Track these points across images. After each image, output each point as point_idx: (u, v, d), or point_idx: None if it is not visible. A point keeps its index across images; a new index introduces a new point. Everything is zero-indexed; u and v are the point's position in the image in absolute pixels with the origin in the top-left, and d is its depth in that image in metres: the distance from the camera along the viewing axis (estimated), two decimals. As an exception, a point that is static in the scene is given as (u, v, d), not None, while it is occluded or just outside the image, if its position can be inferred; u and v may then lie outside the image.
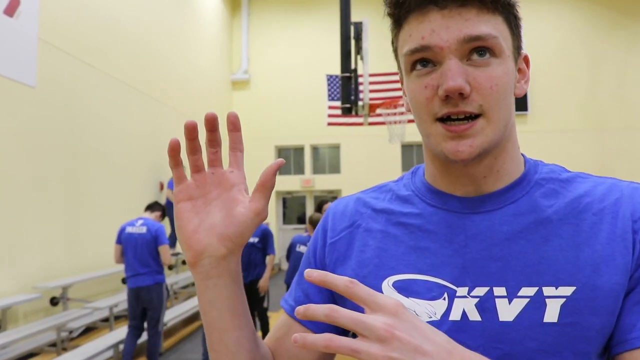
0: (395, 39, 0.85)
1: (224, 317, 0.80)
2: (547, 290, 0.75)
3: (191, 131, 0.80)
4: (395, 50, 0.87)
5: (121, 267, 8.09)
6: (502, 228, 0.81)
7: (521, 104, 16.64)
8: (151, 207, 6.39)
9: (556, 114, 16.72)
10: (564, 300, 0.74)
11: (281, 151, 17.46)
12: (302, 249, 6.29)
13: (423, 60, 0.79)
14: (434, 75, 0.78)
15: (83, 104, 8.40)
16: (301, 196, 17.53)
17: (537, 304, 0.75)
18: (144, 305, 5.88)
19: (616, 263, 0.74)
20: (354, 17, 8.63)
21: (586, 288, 0.74)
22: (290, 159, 17.54)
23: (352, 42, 8.29)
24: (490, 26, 0.77)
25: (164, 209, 6.56)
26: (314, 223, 6.08)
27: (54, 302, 7.49)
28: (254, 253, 6.61)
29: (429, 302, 0.80)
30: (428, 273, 0.83)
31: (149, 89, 10.70)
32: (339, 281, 0.62)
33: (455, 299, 0.79)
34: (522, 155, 0.91)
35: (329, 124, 11.80)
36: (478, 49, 0.77)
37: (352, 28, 8.30)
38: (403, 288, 0.83)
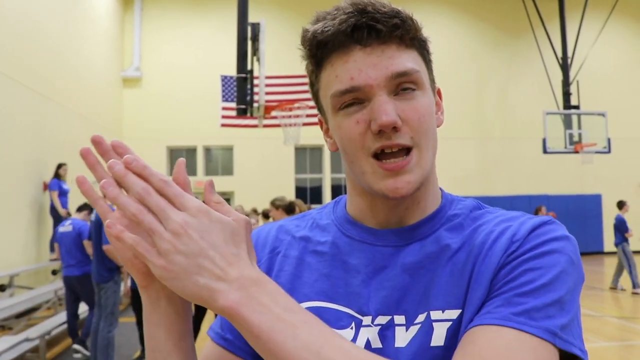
0: (316, 82, 0.86)
1: (169, 340, 0.76)
2: (435, 315, 0.78)
3: (87, 157, 0.76)
4: (315, 93, 0.88)
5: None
6: (407, 259, 0.84)
7: (410, 111, 17.31)
8: (79, 209, 7.25)
9: (445, 122, 17.44)
10: (449, 323, 0.77)
11: (173, 152, 17.07)
12: None
13: (351, 101, 0.80)
14: (364, 111, 0.80)
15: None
16: (193, 198, 17.20)
17: (427, 328, 0.78)
18: (76, 293, 6.69)
19: (483, 280, 0.77)
20: (252, 18, 8.61)
21: (470, 310, 0.76)
22: (182, 160, 17.18)
23: (249, 43, 8.28)
24: (411, 61, 0.81)
25: (91, 208, 6.95)
26: None
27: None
28: None
29: (337, 331, 0.78)
30: (338, 302, 0.84)
31: (33, 82, 10.09)
32: (154, 177, 0.66)
33: (362, 328, 0.81)
34: (440, 189, 0.94)
35: (223, 125, 11.70)
36: (404, 83, 0.80)
37: (249, 29, 8.28)
38: None
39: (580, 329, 0.75)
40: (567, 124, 13.79)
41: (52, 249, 9.87)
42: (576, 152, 13.69)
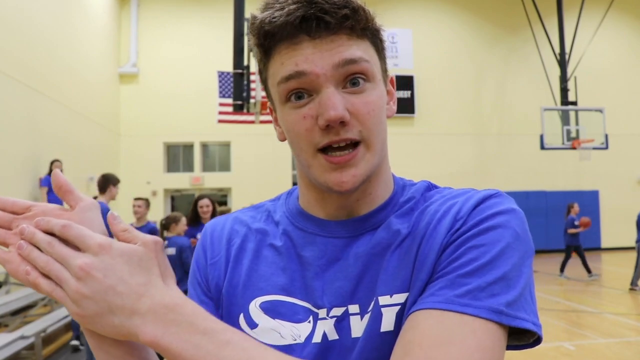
0: (265, 70, 0.84)
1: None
2: (383, 300, 0.78)
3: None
4: (264, 81, 0.86)
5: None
6: (359, 249, 0.83)
7: (408, 107, 17.31)
8: None
9: (442, 118, 17.56)
10: (398, 307, 0.76)
11: (170, 148, 17.04)
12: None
13: (298, 92, 0.78)
14: (311, 105, 0.78)
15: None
16: (190, 194, 17.17)
17: (376, 314, 0.77)
18: None
19: (426, 261, 0.76)
20: (248, 14, 8.56)
21: (414, 293, 0.75)
22: (179, 156, 17.15)
23: (245, 38, 8.23)
24: (361, 50, 0.78)
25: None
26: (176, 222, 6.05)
27: None
28: None
29: (294, 325, 0.82)
30: (294, 295, 0.84)
31: (28, 77, 10.03)
32: (55, 227, 0.66)
33: (318, 322, 0.81)
34: (393, 175, 0.93)
35: (220, 121, 11.69)
36: (352, 76, 0.78)
37: (245, 24, 8.23)
38: (269, 309, 0.84)
39: (534, 303, 0.74)
40: (565, 120, 13.78)
41: None
42: (573, 148, 13.68)
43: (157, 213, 15.21)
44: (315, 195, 0.89)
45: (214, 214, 6.47)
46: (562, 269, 12.16)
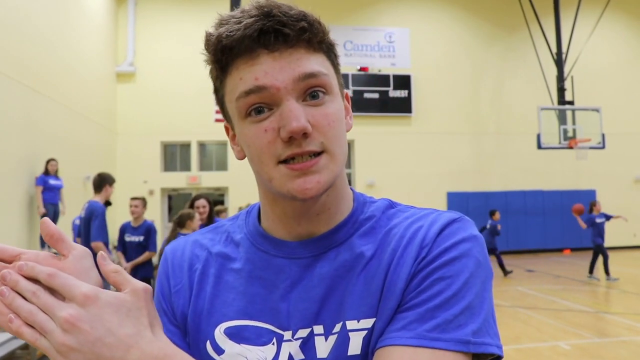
0: (221, 87, 0.83)
1: None
2: (350, 324, 0.79)
3: None
4: (221, 99, 0.85)
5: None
6: (322, 270, 0.84)
7: (405, 106, 17.31)
8: None
9: (439, 117, 17.55)
10: (365, 332, 0.78)
11: (167, 147, 17.01)
12: None
13: (258, 106, 0.78)
14: (272, 118, 0.78)
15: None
16: (187, 193, 17.15)
17: (343, 338, 0.79)
18: None
19: (395, 289, 0.78)
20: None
21: (383, 318, 0.77)
22: (176, 155, 17.13)
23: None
24: (319, 64, 0.79)
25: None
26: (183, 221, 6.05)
27: None
28: (141, 252, 6.83)
29: (260, 348, 0.82)
30: (258, 319, 0.84)
31: (23, 75, 9.99)
32: (41, 274, 0.63)
33: (283, 343, 0.82)
34: (354, 192, 0.94)
35: (217, 120, 11.67)
36: (312, 89, 0.78)
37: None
38: (234, 334, 0.84)
39: (495, 326, 0.78)
40: (562, 119, 13.79)
41: (42, 245, 9.87)
42: (570, 147, 13.70)
43: (154, 212, 15.21)
44: (277, 212, 0.88)
45: (210, 215, 6.46)
46: (590, 270, 11.85)
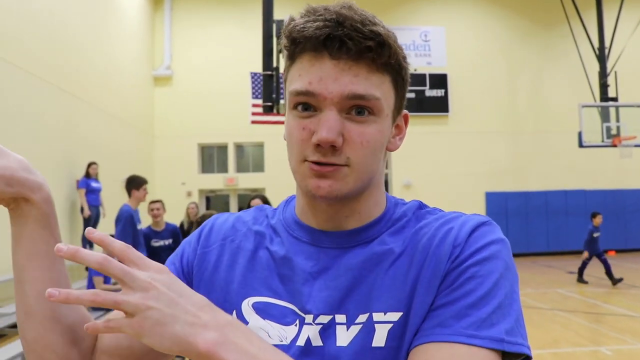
0: (286, 72, 0.88)
1: (20, 255, 0.84)
2: (377, 316, 0.82)
3: None
4: (285, 80, 0.90)
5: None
6: (350, 262, 0.87)
7: (442, 106, 17.13)
8: None
9: (475, 116, 17.30)
10: (391, 325, 0.81)
11: (204, 149, 17.18)
12: None
13: (305, 104, 0.82)
14: (313, 119, 0.82)
15: (-9, 96, 7.92)
16: (224, 195, 17.31)
17: (368, 329, 0.81)
18: None
19: (430, 285, 0.81)
20: (277, 15, 8.57)
21: (411, 313, 0.80)
22: (213, 157, 17.29)
23: (274, 40, 8.24)
24: (375, 87, 0.81)
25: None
26: None
27: (-44, 307, 7.05)
28: (168, 254, 6.74)
29: (282, 327, 0.86)
30: (284, 299, 0.88)
31: (64, 82, 10.22)
32: (92, 258, 0.65)
33: (304, 326, 0.85)
34: (387, 195, 0.97)
35: (253, 122, 11.72)
36: (358, 106, 0.81)
37: (274, 26, 8.25)
38: (261, 310, 0.88)
39: (524, 328, 0.80)
40: (605, 116, 13.39)
41: (84, 246, 10.09)
42: (614, 145, 13.29)
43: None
44: (307, 203, 0.92)
45: None
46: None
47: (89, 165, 10.27)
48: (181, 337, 0.64)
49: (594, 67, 14.56)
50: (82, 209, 10.21)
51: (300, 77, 0.82)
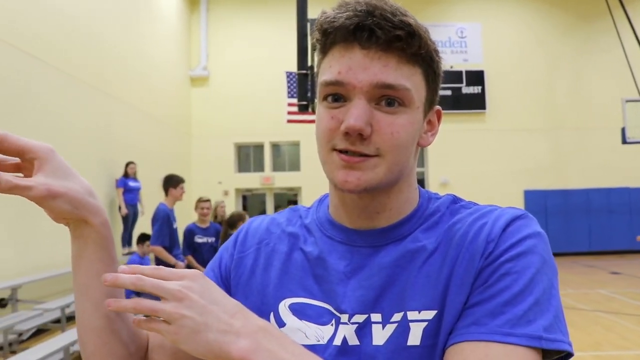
0: (318, 66, 0.89)
1: (81, 273, 0.88)
2: (411, 315, 0.81)
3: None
4: (316, 73, 0.90)
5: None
6: (383, 260, 0.87)
7: (479, 103, 16.90)
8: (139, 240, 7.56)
9: (513, 112, 17.00)
10: (426, 324, 0.80)
11: (240, 148, 17.31)
12: None
13: (335, 95, 0.83)
14: (342, 109, 0.82)
15: (32, 98, 8.12)
16: (261, 194, 17.41)
17: (403, 328, 0.81)
18: None
19: (463, 283, 0.80)
20: (311, 14, 8.56)
21: (445, 311, 0.79)
22: (250, 156, 17.40)
23: (309, 38, 8.23)
24: (405, 77, 0.81)
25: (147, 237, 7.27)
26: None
27: (2, 303, 7.24)
28: (213, 253, 6.84)
29: (319, 327, 0.87)
30: (319, 299, 0.88)
31: (102, 83, 10.43)
32: (128, 280, 0.69)
33: (340, 325, 0.85)
34: (420, 190, 0.96)
35: (289, 121, 11.75)
36: (388, 96, 0.81)
37: (308, 25, 8.27)
38: (298, 310, 0.89)
39: (565, 324, 0.78)
40: (649, 112, 13.01)
41: (124, 244, 10.30)
42: (659, 141, 12.91)
43: (229, 212, 15.47)
44: (339, 200, 0.93)
45: None
46: None
47: (127, 164, 10.49)
48: (214, 346, 0.66)
49: (638, 60, 14.15)
50: (120, 208, 10.41)
51: (331, 67, 0.83)
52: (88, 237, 0.87)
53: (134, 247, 10.30)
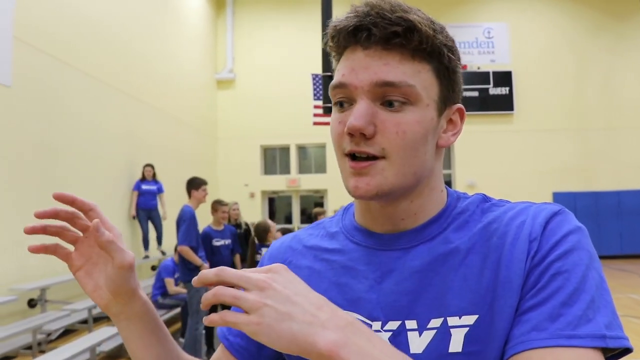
0: (333, 72, 0.89)
1: (137, 352, 0.93)
2: (452, 321, 0.78)
3: (54, 214, 0.86)
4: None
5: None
6: (414, 263, 0.84)
7: (507, 104, 16.71)
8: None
9: (541, 113, 16.76)
10: (467, 329, 0.77)
11: (267, 151, 17.37)
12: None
13: (342, 100, 0.83)
14: (347, 112, 0.82)
15: (60, 102, 8.26)
16: (287, 196, 17.44)
17: (443, 334, 0.78)
18: None
19: (512, 286, 0.76)
20: (336, 16, 8.55)
21: (488, 315, 0.76)
22: (276, 158, 17.46)
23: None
24: (408, 75, 0.80)
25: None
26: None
27: (31, 304, 7.36)
28: (230, 255, 6.98)
29: None
30: (347, 308, 0.84)
31: (129, 87, 10.55)
32: (210, 274, 0.67)
33: None
34: (448, 190, 0.94)
35: (315, 123, 11.74)
36: (389, 96, 0.79)
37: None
38: None
39: (619, 319, 0.75)
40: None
41: (145, 247, 10.34)
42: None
43: (256, 214, 15.54)
44: (362, 205, 0.92)
45: None
46: None
47: (144, 167, 10.38)
48: (299, 336, 0.62)
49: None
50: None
51: (338, 72, 0.84)
52: (135, 314, 0.92)
53: (151, 250, 10.39)
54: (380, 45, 0.79)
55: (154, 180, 10.48)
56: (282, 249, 1.02)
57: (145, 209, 10.37)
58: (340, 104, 0.83)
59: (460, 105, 0.90)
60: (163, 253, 10.65)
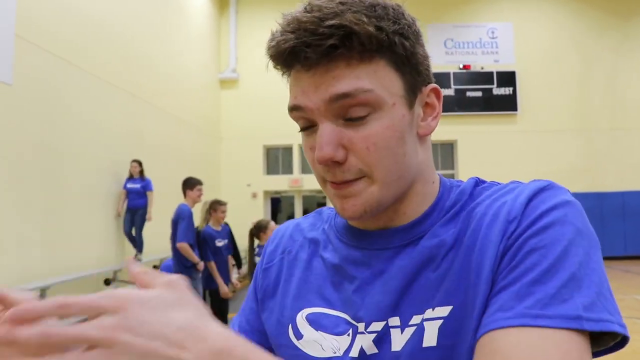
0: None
1: None
2: (427, 314, 0.74)
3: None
4: None
5: (102, 268, 8.77)
6: (403, 262, 0.79)
7: (510, 104, 16.66)
8: None
9: (545, 114, 16.71)
10: (441, 322, 0.72)
11: (269, 150, 17.34)
12: None
13: (303, 121, 0.78)
14: (314, 136, 0.77)
15: (62, 102, 8.23)
16: (289, 196, 17.42)
17: (419, 329, 0.74)
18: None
19: (484, 271, 0.70)
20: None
21: (462, 306, 0.71)
22: (278, 158, 17.43)
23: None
24: (362, 79, 0.72)
25: None
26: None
27: (32, 304, 7.33)
28: (227, 253, 6.95)
29: (335, 337, 0.81)
30: (338, 308, 0.82)
31: (132, 87, 10.52)
32: (48, 307, 0.48)
33: (357, 335, 0.79)
34: (441, 179, 0.88)
35: (317, 123, 11.69)
36: (350, 109, 0.73)
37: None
38: (314, 321, 0.84)
39: (614, 302, 0.66)
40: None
41: (135, 248, 9.93)
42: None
43: (258, 214, 15.51)
44: None
45: None
46: None
47: (132, 162, 9.71)
48: None
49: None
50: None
51: (290, 93, 0.78)
52: None
53: (144, 253, 10.08)
54: (323, 62, 0.72)
55: (140, 177, 9.65)
56: (286, 236, 0.99)
57: (130, 209, 9.58)
58: (305, 127, 0.78)
59: (433, 85, 0.82)
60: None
